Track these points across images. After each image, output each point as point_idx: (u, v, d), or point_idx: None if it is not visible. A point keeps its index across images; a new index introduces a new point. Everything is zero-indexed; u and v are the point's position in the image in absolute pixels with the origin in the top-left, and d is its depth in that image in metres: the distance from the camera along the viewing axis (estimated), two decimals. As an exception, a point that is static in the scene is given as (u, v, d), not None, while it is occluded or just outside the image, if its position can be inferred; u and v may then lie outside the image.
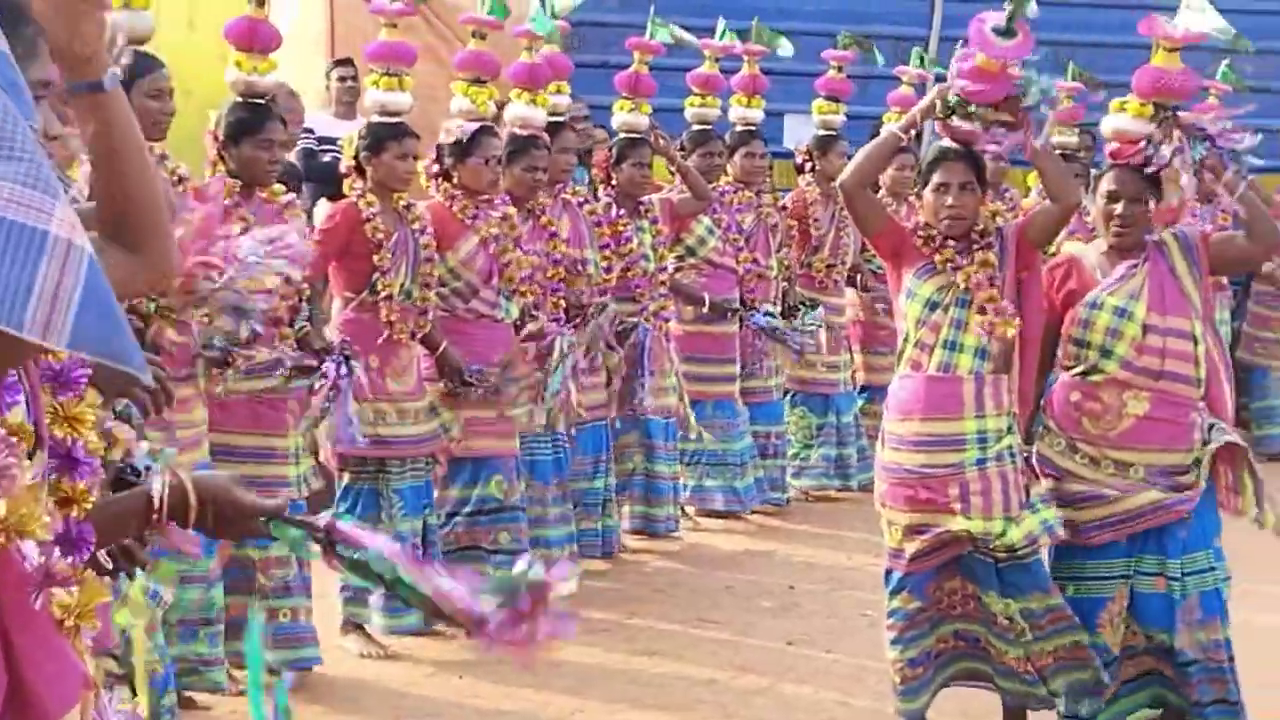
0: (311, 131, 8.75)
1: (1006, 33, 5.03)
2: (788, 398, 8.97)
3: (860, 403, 9.28)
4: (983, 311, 5.03)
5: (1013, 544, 4.99)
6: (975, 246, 5.07)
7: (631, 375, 7.61)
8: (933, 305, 5.04)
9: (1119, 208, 5.05)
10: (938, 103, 5.06)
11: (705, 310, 8.16)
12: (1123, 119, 5.16)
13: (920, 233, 5.10)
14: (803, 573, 7.69)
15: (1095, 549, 5.12)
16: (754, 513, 8.62)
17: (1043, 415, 5.21)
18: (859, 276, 9.18)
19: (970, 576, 5.10)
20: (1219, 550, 5.15)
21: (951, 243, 5.08)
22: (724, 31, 8.42)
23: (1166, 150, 4.97)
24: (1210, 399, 5.11)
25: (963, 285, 5.04)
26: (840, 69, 9.05)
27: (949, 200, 5.06)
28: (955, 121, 5.06)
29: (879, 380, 9.11)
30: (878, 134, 5.25)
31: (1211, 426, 5.06)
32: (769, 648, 6.51)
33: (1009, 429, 5.05)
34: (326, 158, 9.11)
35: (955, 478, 4.99)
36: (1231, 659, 5.11)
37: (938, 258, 5.07)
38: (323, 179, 7.85)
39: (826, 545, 8.19)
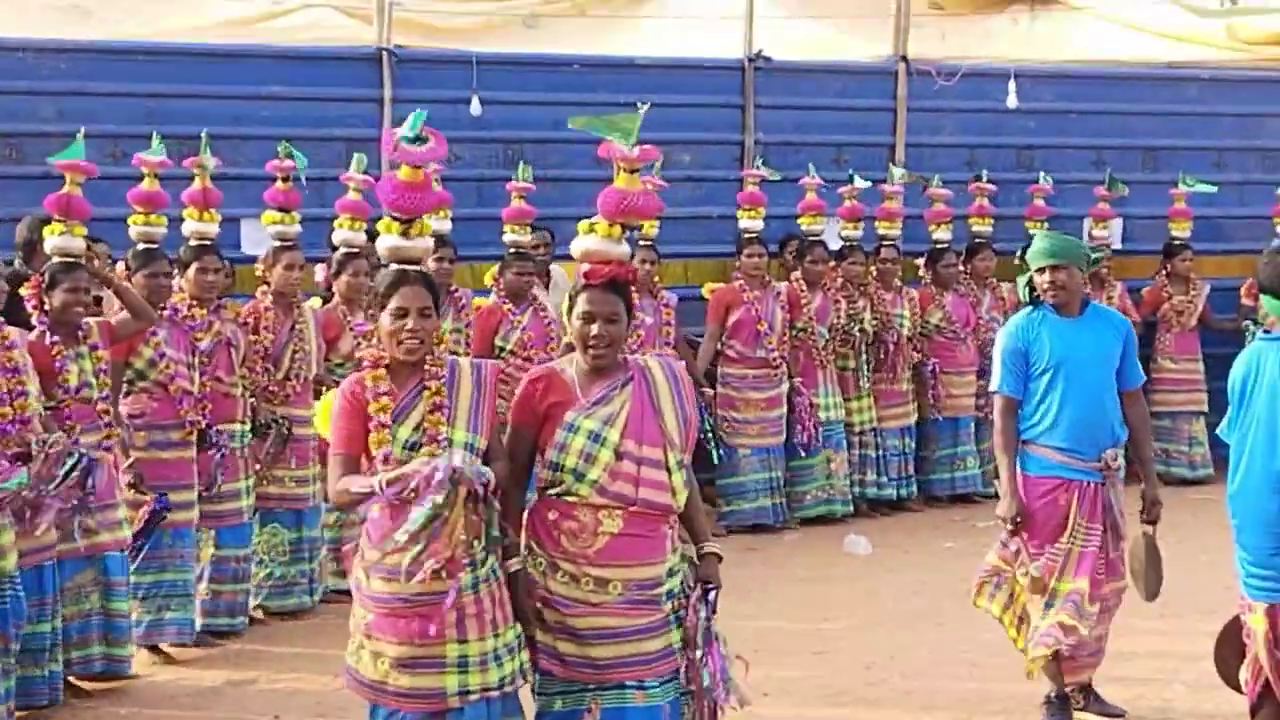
0: None
1: (418, 139, 5.03)
2: (256, 516, 8.61)
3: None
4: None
5: (500, 681, 4.95)
6: (428, 378, 4.99)
7: (75, 509, 7.04)
8: (412, 445, 4.94)
9: (595, 328, 5.03)
10: None
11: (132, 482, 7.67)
12: (592, 240, 5.13)
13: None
14: (286, 700, 7.37)
15: None
16: (221, 637, 8.27)
17: (526, 534, 5.12)
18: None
19: None
20: None
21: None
22: (159, 145, 8.09)
23: None
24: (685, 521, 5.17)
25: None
26: (286, 179, 8.76)
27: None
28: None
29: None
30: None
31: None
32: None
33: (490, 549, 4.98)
34: None
35: (454, 603, 4.87)
36: None
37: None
38: None
39: (310, 669, 7.86)
